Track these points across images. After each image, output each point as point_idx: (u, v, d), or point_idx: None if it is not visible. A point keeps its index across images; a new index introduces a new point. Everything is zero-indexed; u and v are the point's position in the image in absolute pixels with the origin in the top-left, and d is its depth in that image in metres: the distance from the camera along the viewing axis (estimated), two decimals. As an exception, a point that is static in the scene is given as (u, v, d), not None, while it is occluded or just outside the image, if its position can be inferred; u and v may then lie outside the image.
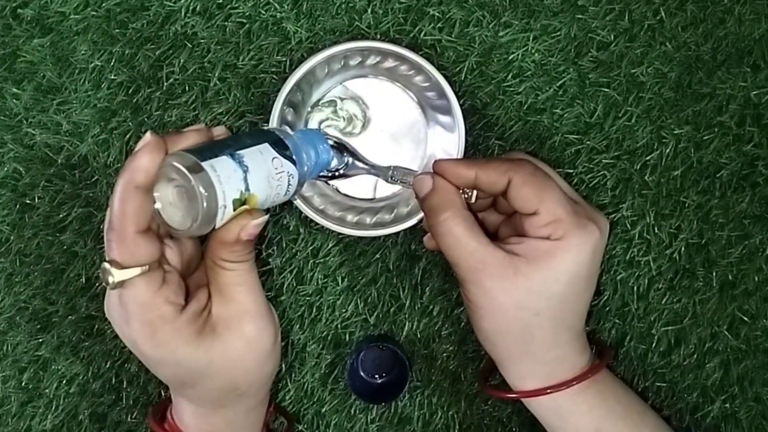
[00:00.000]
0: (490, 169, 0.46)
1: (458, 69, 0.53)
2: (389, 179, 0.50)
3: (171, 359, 0.43)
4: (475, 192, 0.48)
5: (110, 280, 0.40)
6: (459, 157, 0.51)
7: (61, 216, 0.54)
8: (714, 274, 0.54)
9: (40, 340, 0.55)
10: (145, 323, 0.42)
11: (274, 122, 0.50)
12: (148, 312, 0.42)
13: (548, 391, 0.47)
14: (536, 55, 0.53)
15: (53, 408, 0.55)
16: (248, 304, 0.44)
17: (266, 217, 0.43)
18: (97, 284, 0.54)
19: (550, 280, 0.45)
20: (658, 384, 0.55)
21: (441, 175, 0.47)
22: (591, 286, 0.48)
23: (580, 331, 0.49)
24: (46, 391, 0.55)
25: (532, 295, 0.45)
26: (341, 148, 0.50)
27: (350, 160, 0.50)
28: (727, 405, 0.55)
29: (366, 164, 0.50)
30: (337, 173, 0.50)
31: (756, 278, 0.54)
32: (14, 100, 0.54)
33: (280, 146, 0.44)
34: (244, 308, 0.44)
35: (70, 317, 0.55)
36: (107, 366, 0.55)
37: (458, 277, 0.47)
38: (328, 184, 0.54)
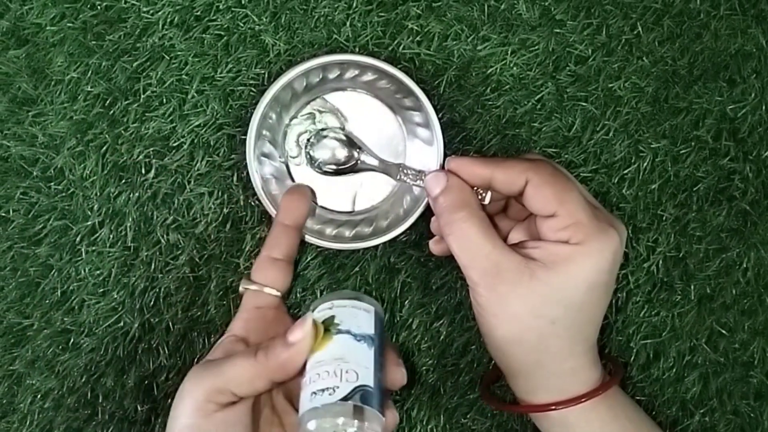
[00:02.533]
0: (507, 167, 0.44)
1: (437, 83, 0.53)
2: (398, 177, 0.49)
3: None
4: (489, 193, 0.46)
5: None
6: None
7: (36, 229, 0.54)
8: (692, 287, 0.54)
9: (15, 354, 0.54)
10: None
11: (252, 135, 0.50)
12: None
13: (561, 406, 0.45)
14: (514, 69, 0.53)
15: (27, 423, 0.54)
16: None
17: None
18: (73, 298, 0.54)
19: (569, 286, 0.43)
20: (638, 398, 0.55)
21: (455, 173, 0.46)
22: (608, 294, 0.46)
23: (594, 343, 0.47)
24: (21, 406, 0.54)
25: (549, 302, 0.43)
26: (350, 142, 0.49)
27: (359, 155, 0.49)
28: (707, 418, 0.55)
29: (375, 159, 0.49)
30: (344, 168, 0.50)
31: (733, 291, 0.54)
32: (-11, 112, 0.53)
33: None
34: None
35: (45, 331, 0.54)
36: (82, 380, 0.54)
37: (469, 282, 0.44)
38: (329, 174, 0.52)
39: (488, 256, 0.43)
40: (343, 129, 0.51)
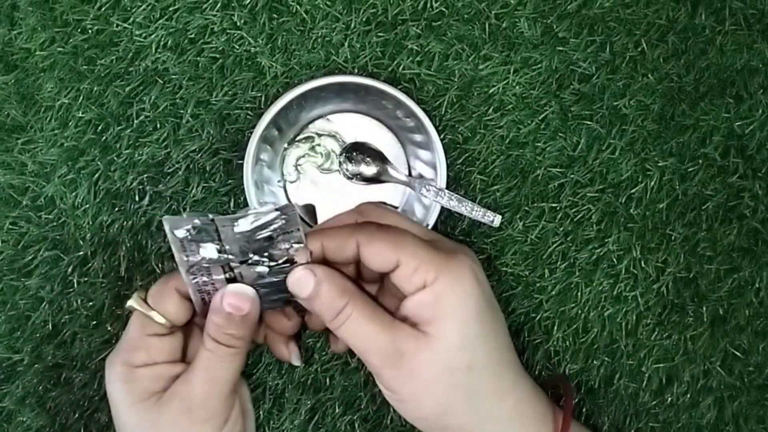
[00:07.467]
0: (334, 235, 0.43)
1: (438, 103, 0.52)
2: (420, 191, 0.50)
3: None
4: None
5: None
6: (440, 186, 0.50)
7: (26, 260, 0.52)
8: (704, 308, 0.53)
9: (4, 390, 0.52)
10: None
11: (249, 159, 0.49)
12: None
13: None
14: (517, 88, 0.52)
15: (18, 463, 0.52)
16: None
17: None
18: (64, 331, 0.52)
19: (461, 326, 0.42)
20: (652, 424, 0.53)
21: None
22: (497, 311, 0.44)
23: (520, 366, 0.45)
24: (10, 444, 0.52)
25: (455, 351, 0.42)
26: (380, 156, 0.51)
27: (386, 168, 0.51)
28: (722, 444, 0.53)
29: (400, 173, 0.51)
30: (374, 179, 0.52)
31: (747, 312, 0.53)
32: (-23, 140, 0.52)
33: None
34: None
35: (35, 366, 0.52)
36: (75, 417, 0.52)
37: (372, 370, 0.43)
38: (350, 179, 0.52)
39: (382, 338, 0.42)
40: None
